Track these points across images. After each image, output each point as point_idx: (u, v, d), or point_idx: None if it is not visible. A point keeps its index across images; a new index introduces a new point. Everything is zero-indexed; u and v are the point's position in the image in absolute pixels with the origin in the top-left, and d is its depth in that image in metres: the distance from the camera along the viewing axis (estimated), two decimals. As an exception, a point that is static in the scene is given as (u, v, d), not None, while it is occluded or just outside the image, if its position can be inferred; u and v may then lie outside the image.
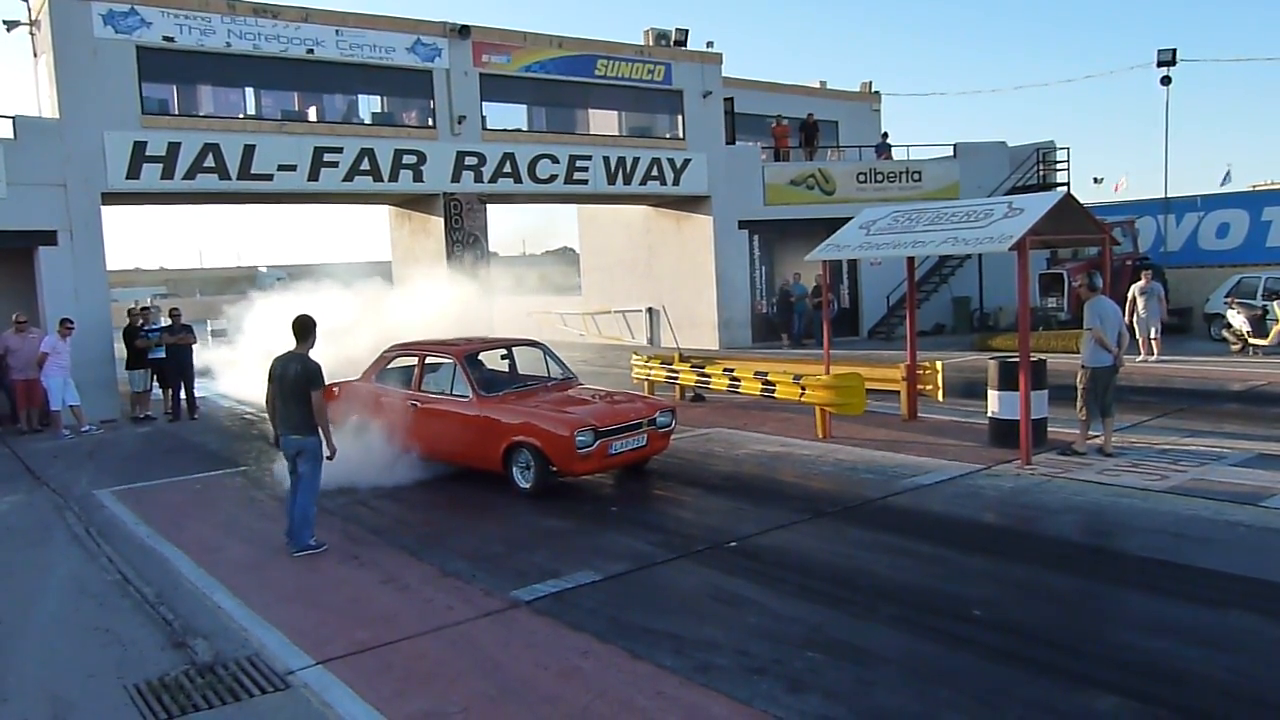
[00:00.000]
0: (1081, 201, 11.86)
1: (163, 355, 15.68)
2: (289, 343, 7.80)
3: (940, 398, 12.44)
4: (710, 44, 24.62)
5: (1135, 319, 17.61)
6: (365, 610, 6.41)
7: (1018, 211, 10.10)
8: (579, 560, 7.24)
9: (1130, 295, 17.92)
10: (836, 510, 8.50)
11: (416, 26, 19.85)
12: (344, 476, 9.17)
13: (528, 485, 9.30)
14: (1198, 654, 5.17)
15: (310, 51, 18.47)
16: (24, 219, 15.38)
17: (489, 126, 20.93)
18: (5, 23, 17.36)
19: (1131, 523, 7.68)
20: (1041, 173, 25.83)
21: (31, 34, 17.32)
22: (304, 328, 7.82)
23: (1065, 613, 6.04)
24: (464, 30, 20.25)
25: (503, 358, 11.04)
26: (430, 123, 20.16)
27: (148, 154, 16.69)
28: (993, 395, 10.74)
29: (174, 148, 16.94)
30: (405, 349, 10.80)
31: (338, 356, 10.80)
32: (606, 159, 22.42)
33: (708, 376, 13.91)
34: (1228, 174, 26.34)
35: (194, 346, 16.25)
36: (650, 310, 26.25)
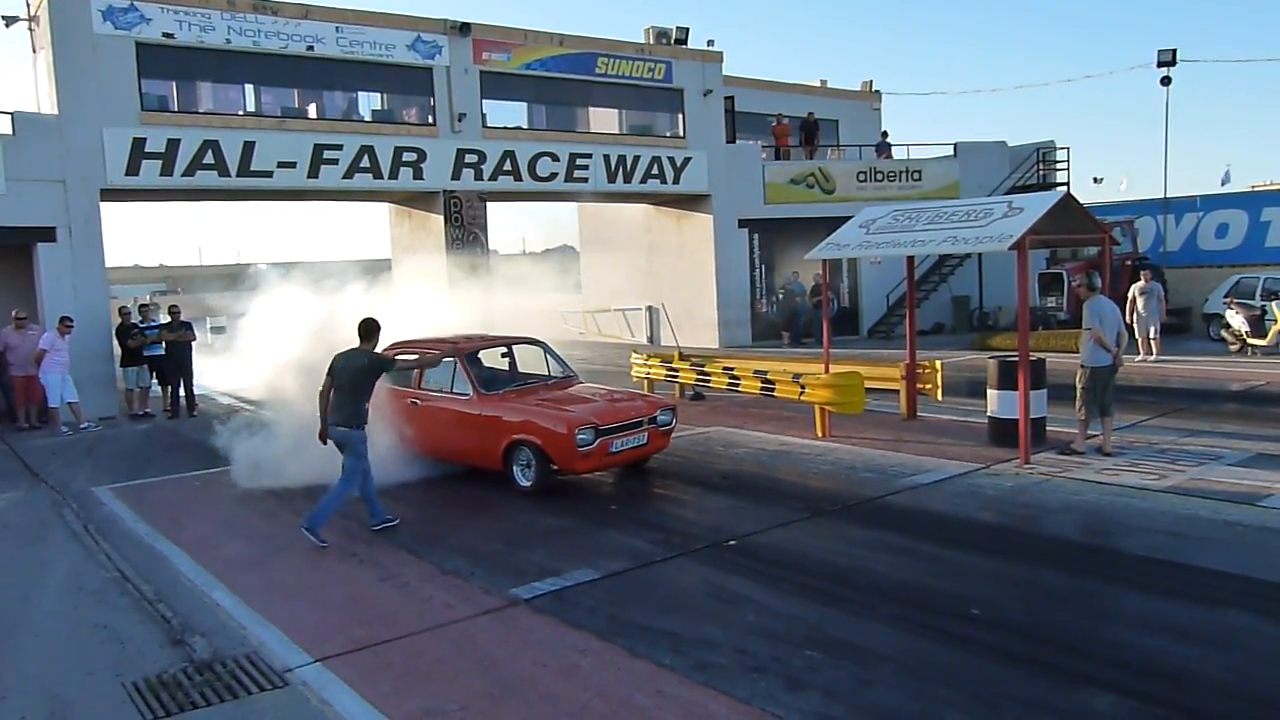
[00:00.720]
0: (1081, 201, 11.85)
1: (161, 352, 15.68)
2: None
3: (939, 397, 12.43)
4: (711, 42, 24.67)
5: (1135, 318, 17.62)
6: (364, 608, 6.41)
7: (1017, 211, 10.10)
8: (578, 558, 7.24)
9: (1130, 295, 17.93)
10: (835, 509, 8.50)
11: (417, 24, 19.86)
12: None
13: (528, 484, 9.28)
14: (1196, 653, 5.17)
15: (310, 48, 18.47)
16: (23, 215, 15.39)
17: (489, 124, 20.94)
18: (4, 18, 17.33)
19: (1130, 522, 7.68)
20: (1041, 172, 25.84)
21: (30, 30, 17.31)
22: (369, 329, 8.24)
23: (1064, 612, 6.04)
24: (464, 28, 20.26)
25: (503, 355, 11.02)
26: (430, 120, 20.16)
27: (147, 150, 16.70)
28: (992, 394, 10.74)
29: (173, 144, 16.94)
30: (406, 347, 10.76)
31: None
32: (607, 157, 22.43)
33: (707, 375, 13.91)
34: (1227, 174, 26.39)
35: (193, 344, 16.23)
36: (650, 308, 26.25)
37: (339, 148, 18.78)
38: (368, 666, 5.41)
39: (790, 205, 24.68)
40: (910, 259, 13.25)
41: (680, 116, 23.87)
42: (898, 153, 26.71)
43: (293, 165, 18.30)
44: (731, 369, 13.48)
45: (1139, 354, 17.48)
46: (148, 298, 20.11)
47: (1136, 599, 6.09)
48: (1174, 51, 25.12)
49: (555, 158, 21.65)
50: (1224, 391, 14.27)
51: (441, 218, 20.36)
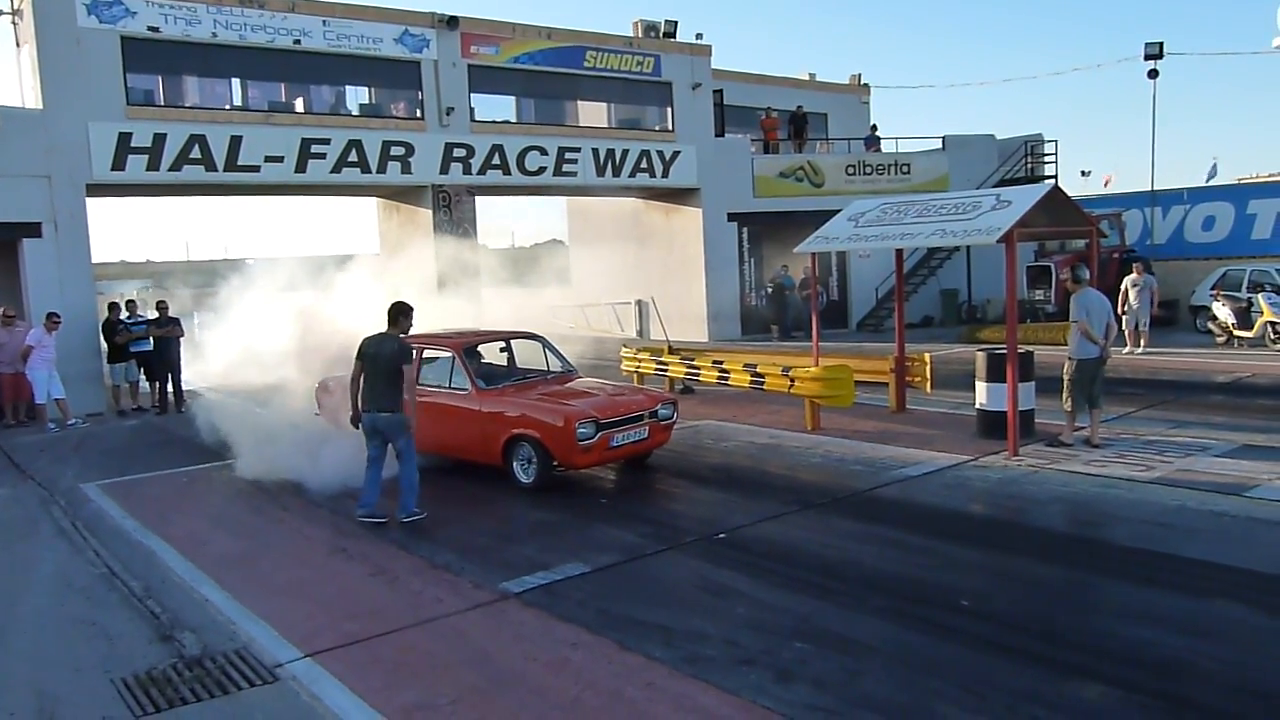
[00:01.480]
0: (1069, 194, 11.89)
1: (149, 348, 15.61)
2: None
3: (929, 389, 12.48)
4: (699, 36, 24.66)
5: (1125, 311, 17.69)
6: (354, 603, 6.39)
7: (1005, 204, 10.13)
8: (568, 552, 7.24)
9: (1123, 288, 18.01)
10: (825, 502, 8.52)
11: (404, 17, 19.78)
12: (345, 472, 9.16)
13: (529, 480, 9.18)
14: (1183, 643, 5.21)
15: (297, 42, 18.38)
16: (7, 211, 15.29)
17: (478, 118, 20.89)
18: (-12, 12, 17.22)
19: (1118, 513, 7.73)
20: (1030, 165, 25.94)
21: (14, 23, 17.18)
22: (399, 312, 8.29)
23: (1052, 602, 6.08)
24: (452, 21, 20.20)
25: (501, 350, 10.94)
26: (418, 114, 20.10)
27: (133, 145, 16.60)
28: (980, 387, 10.77)
29: (159, 139, 16.85)
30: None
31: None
32: (595, 151, 22.41)
33: (697, 368, 13.92)
34: (1214, 168, 26.49)
35: (181, 339, 16.14)
36: (639, 302, 26.26)
37: (326, 142, 18.71)
38: (358, 661, 5.40)
39: (779, 199, 24.70)
40: (899, 252, 13.24)
41: (669, 110, 23.85)
42: (886, 146, 26.77)
43: (280, 159, 18.22)
44: (721, 362, 13.49)
45: (1125, 346, 17.56)
46: (134, 293, 20.03)
47: (1124, 589, 6.13)
48: (1161, 45, 25.24)
49: (544, 151, 21.62)
50: (1211, 383, 14.36)
51: (430, 212, 20.31)
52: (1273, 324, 17.58)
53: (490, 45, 20.91)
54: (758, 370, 12.53)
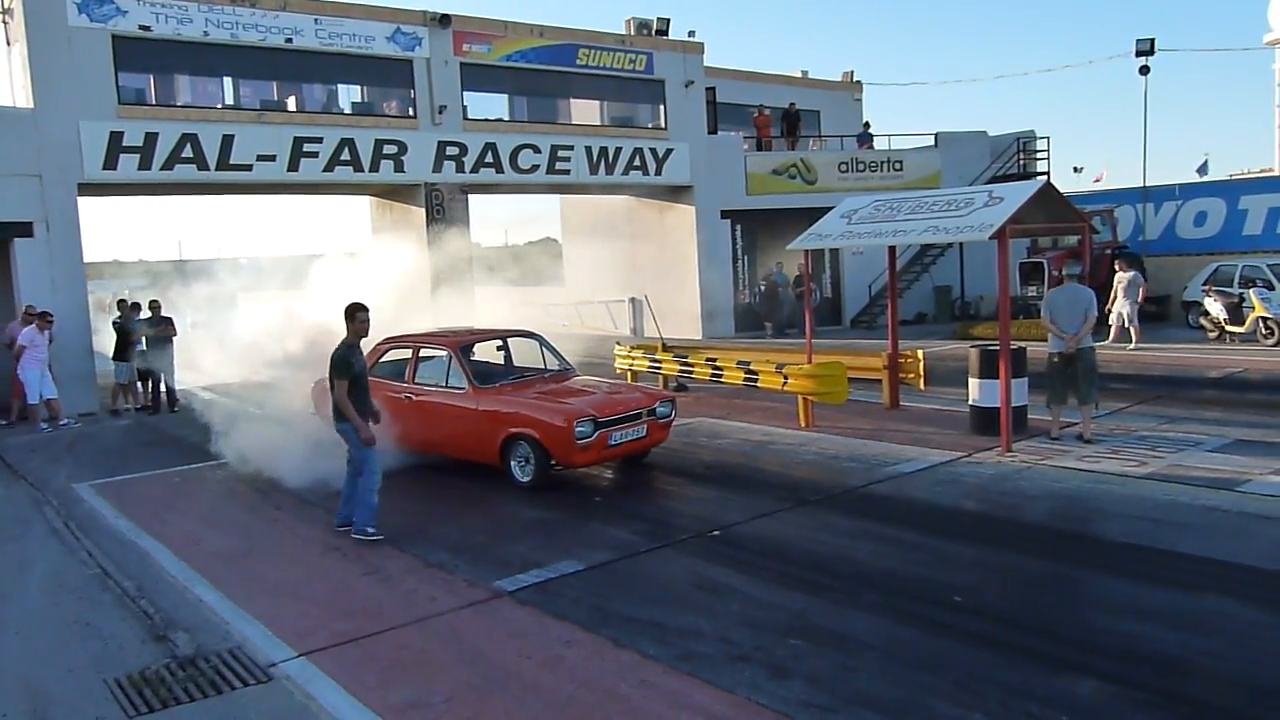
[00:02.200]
0: (1061, 190, 11.91)
1: (143, 348, 15.55)
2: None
3: (922, 386, 12.49)
4: (692, 33, 24.64)
5: (1110, 309, 17.76)
6: (348, 602, 6.39)
7: (998, 200, 10.14)
8: (562, 550, 7.24)
9: (1114, 286, 18.13)
10: (819, 498, 8.53)
11: (396, 15, 19.73)
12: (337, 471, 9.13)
13: (527, 479, 9.11)
14: (1176, 637, 5.22)
15: (289, 40, 18.33)
16: (-1, 210, 15.23)
17: (470, 116, 20.85)
18: (-22, 11, 17.13)
19: (1111, 508, 7.75)
20: (1022, 162, 25.97)
21: (4, 22, 17.08)
22: (347, 315, 7.76)
23: (1046, 598, 6.09)
24: (444, 19, 20.16)
25: (498, 349, 10.90)
26: (411, 112, 20.06)
27: (125, 144, 16.54)
28: (973, 383, 10.80)
29: (151, 138, 16.79)
30: (398, 341, 10.59)
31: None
32: (589, 149, 22.40)
33: (691, 366, 13.92)
34: (1205, 164, 26.54)
35: (174, 338, 16.10)
36: (633, 300, 26.24)
37: (319, 140, 18.66)
38: (352, 660, 5.40)
39: (772, 196, 24.71)
40: (892, 249, 13.27)
41: (662, 108, 23.84)
42: (879, 143, 26.80)
43: (272, 158, 18.18)
44: (715, 360, 13.48)
45: (1107, 339, 17.55)
46: (126, 293, 19.96)
47: (1117, 585, 6.15)
48: (1152, 41, 25.29)
49: (537, 149, 21.60)
50: (1203, 378, 14.40)
51: (423, 210, 20.27)
52: (1264, 319, 17.63)
53: (482, 43, 20.87)
54: (751, 368, 12.53)
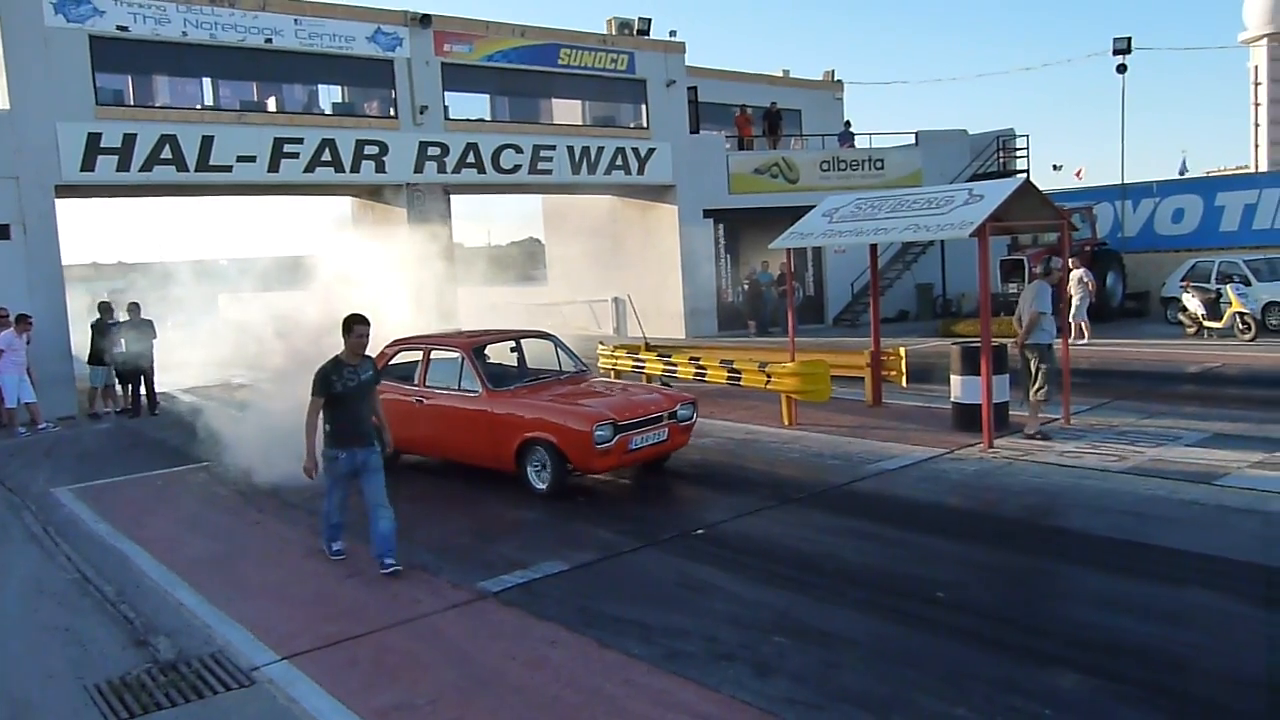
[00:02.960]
0: (1041, 188, 11.98)
1: (122, 350, 15.40)
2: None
3: (904, 383, 12.53)
4: (673, 33, 24.64)
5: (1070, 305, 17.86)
6: (331, 604, 6.36)
7: (978, 198, 10.19)
8: (546, 550, 7.22)
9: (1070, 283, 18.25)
10: (803, 496, 8.55)
11: (377, 16, 19.65)
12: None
13: (544, 486, 8.73)
14: (1157, 630, 5.26)
15: (268, 41, 18.23)
16: (-25, 212, 15.08)
17: (452, 116, 20.79)
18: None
19: (1092, 503, 7.80)
20: (1002, 160, 26.12)
21: (-20, 23, 16.93)
22: (341, 326, 6.98)
23: (1028, 593, 6.13)
24: (425, 19, 20.10)
25: (511, 350, 10.58)
26: (392, 113, 19.99)
27: (103, 145, 16.42)
28: (955, 380, 10.85)
29: (130, 139, 16.67)
30: (408, 343, 10.26)
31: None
32: (570, 149, 22.37)
33: (674, 365, 13.91)
34: (1184, 162, 26.80)
35: (154, 341, 15.95)
36: (616, 299, 26.22)
37: (300, 141, 18.57)
38: (335, 663, 5.37)
39: (755, 195, 24.75)
40: (873, 247, 13.32)
41: (644, 107, 23.84)
42: (860, 142, 26.88)
43: (253, 159, 18.07)
44: (698, 359, 13.49)
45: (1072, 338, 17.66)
46: (105, 294, 19.77)
47: (1099, 579, 6.19)
48: (1129, 39, 25.48)
49: (519, 149, 21.56)
50: (1181, 374, 14.53)
51: (405, 211, 20.20)
52: (1241, 315, 17.79)
53: (464, 43, 20.82)
54: (734, 366, 12.55)
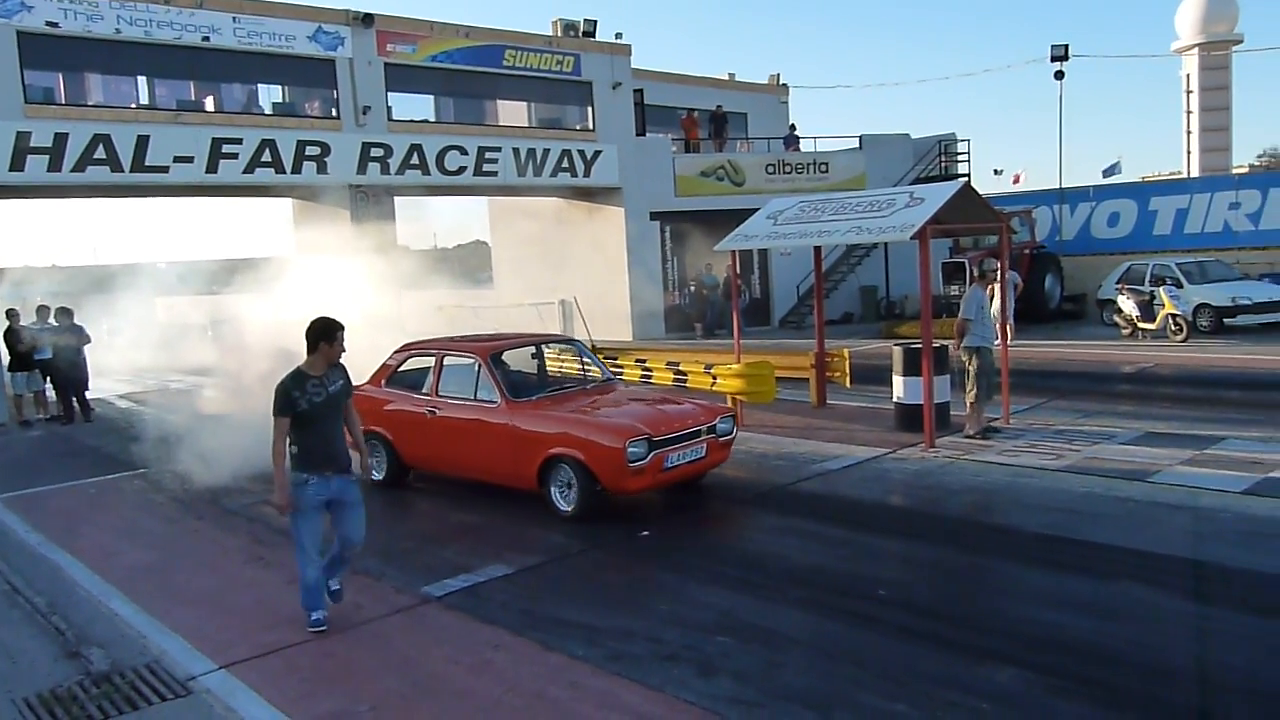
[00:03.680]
0: (981, 192, 12.19)
1: (49, 356, 14.93)
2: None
3: (848, 384, 12.66)
4: (619, 35, 24.70)
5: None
6: (271, 612, 6.24)
7: (919, 201, 10.34)
8: (491, 554, 7.18)
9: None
10: (748, 497, 8.60)
11: (318, 14, 19.41)
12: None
13: (569, 508, 7.94)
14: (1091, 624, 5.37)
15: (206, 39, 17.91)
16: (-102, 214, 14.60)
17: (395, 117, 20.61)
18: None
19: (1029, 501, 7.94)
20: (944, 164, 26.56)
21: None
22: (309, 332, 5.82)
23: (967, 589, 6.23)
24: (367, 19, 19.89)
25: (532, 356, 9.96)
26: (334, 113, 19.75)
27: (32, 145, 16.02)
28: (898, 381, 10.99)
29: (61, 138, 16.27)
30: (420, 347, 9.59)
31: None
32: (516, 150, 22.29)
33: (621, 367, 13.91)
34: (1117, 164, 27.37)
35: (85, 347, 15.50)
36: (563, 302, 26.14)
37: (239, 141, 18.26)
38: (275, 671, 5.28)
39: (701, 198, 24.87)
40: (818, 249, 13.45)
41: (590, 109, 23.82)
42: (805, 145, 27.16)
43: (190, 160, 17.74)
44: (644, 361, 13.52)
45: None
46: (39, 299, 19.24)
47: (1036, 575, 6.30)
48: (1066, 47, 26.07)
49: (464, 151, 21.42)
50: (1117, 374, 14.87)
51: (347, 213, 19.94)
52: (1173, 316, 18.26)
53: (407, 43, 20.63)
54: (680, 368, 12.59)
